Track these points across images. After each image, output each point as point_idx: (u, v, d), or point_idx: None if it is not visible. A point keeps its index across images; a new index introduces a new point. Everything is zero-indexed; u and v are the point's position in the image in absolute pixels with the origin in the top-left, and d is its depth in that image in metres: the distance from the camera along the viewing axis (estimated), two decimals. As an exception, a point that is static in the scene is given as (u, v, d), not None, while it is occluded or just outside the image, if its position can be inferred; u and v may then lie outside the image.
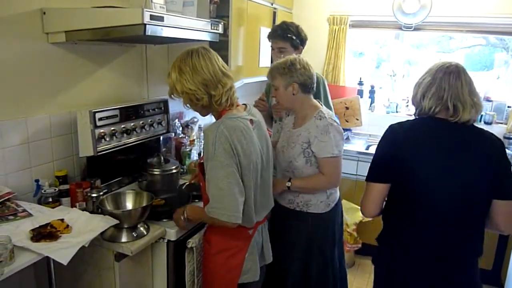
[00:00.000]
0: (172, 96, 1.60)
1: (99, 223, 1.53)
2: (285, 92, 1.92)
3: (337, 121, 1.98)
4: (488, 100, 3.47)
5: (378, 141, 1.60)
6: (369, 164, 1.62)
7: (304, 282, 2.06)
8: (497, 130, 3.41)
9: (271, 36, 2.46)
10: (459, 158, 1.45)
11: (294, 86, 1.90)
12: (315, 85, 1.97)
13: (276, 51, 2.42)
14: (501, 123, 3.46)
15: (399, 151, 1.49)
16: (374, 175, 1.57)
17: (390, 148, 1.53)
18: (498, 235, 3.05)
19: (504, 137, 3.34)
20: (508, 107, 3.43)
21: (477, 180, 1.45)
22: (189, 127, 2.77)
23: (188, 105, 1.60)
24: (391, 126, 1.57)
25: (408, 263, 1.53)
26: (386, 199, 1.58)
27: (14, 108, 1.75)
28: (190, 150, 2.56)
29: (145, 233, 1.69)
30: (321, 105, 2.02)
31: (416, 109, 1.57)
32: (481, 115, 3.44)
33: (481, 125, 3.42)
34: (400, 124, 1.56)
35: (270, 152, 1.74)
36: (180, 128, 2.72)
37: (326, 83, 2.48)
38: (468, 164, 1.45)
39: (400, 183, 1.51)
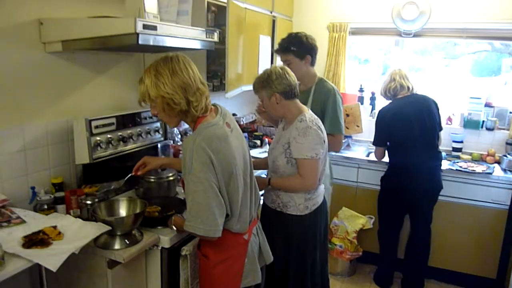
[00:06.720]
0: (142, 103, 1.57)
1: (91, 230, 1.54)
2: (270, 103, 2.01)
3: (321, 126, 2.01)
4: (489, 106, 3.44)
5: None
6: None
7: (283, 283, 2.10)
8: (499, 136, 3.39)
9: (275, 51, 2.53)
10: (417, 114, 2.83)
11: (276, 96, 1.97)
12: (297, 90, 2.02)
13: (285, 64, 2.45)
14: (503, 129, 3.42)
15: (389, 126, 2.89)
16: (378, 143, 3.00)
17: (383, 125, 2.93)
18: (501, 245, 3.02)
19: (507, 143, 3.31)
20: (510, 112, 3.39)
21: (431, 122, 2.84)
22: (188, 134, 2.79)
23: (162, 111, 1.52)
24: (380, 112, 2.97)
25: (404, 171, 2.87)
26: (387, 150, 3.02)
27: (12, 116, 1.78)
28: (188, 158, 2.57)
29: (138, 240, 1.69)
30: (308, 109, 2.07)
31: (386, 97, 3.00)
32: (483, 121, 3.41)
33: (482, 131, 3.41)
34: (384, 108, 2.95)
35: (246, 150, 1.74)
36: (179, 136, 2.74)
37: (337, 96, 2.45)
38: (424, 116, 2.82)
39: (395, 140, 2.91)
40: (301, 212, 2.04)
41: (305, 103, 2.42)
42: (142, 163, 1.92)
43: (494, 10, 3.26)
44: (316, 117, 2.05)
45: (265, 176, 2.21)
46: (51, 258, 1.34)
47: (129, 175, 1.93)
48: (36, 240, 1.41)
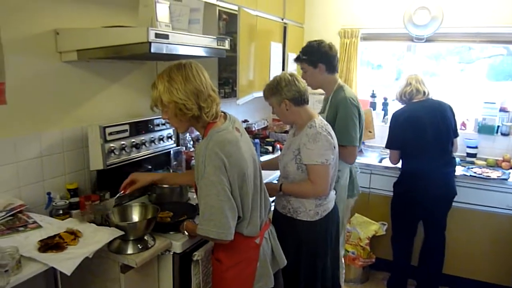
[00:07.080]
0: (154, 108, 1.60)
1: (105, 235, 1.57)
2: (280, 109, 2.04)
3: (331, 132, 2.02)
4: (504, 110, 3.39)
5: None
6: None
7: (294, 287, 2.10)
8: (514, 141, 3.33)
9: (294, 60, 2.54)
10: (431, 118, 2.79)
11: (286, 102, 2.00)
12: (306, 96, 2.03)
13: (302, 72, 2.46)
14: (519, 134, 3.36)
15: (402, 129, 2.84)
16: (392, 145, 2.93)
17: (396, 127, 2.89)
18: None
19: (523, 149, 3.26)
20: (526, 118, 3.34)
21: (445, 127, 2.81)
22: (199, 141, 2.82)
23: (174, 116, 1.55)
24: (393, 114, 2.94)
25: (417, 177, 2.82)
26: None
27: (29, 123, 1.83)
28: (200, 164, 2.59)
29: (150, 245, 1.71)
30: (318, 115, 2.07)
31: (402, 101, 2.96)
32: (498, 126, 3.36)
33: (497, 136, 3.36)
34: (398, 111, 2.92)
35: (255, 154, 1.75)
36: (191, 142, 2.77)
37: (349, 105, 2.33)
38: (438, 120, 2.80)
39: (409, 143, 2.84)
40: (312, 218, 2.05)
41: (323, 111, 2.44)
42: (130, 181, 1.84)
43: (507, 14, 3.23)
44: (326, 123, 2.06)
45: (276, 182, 2.23)
46: (66, 262, 1.37)
47: (118, 194, 1.84)
48: (52, 244, 1.44)
